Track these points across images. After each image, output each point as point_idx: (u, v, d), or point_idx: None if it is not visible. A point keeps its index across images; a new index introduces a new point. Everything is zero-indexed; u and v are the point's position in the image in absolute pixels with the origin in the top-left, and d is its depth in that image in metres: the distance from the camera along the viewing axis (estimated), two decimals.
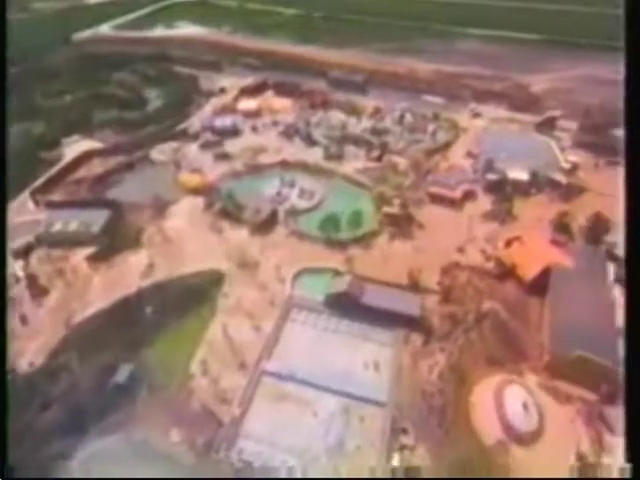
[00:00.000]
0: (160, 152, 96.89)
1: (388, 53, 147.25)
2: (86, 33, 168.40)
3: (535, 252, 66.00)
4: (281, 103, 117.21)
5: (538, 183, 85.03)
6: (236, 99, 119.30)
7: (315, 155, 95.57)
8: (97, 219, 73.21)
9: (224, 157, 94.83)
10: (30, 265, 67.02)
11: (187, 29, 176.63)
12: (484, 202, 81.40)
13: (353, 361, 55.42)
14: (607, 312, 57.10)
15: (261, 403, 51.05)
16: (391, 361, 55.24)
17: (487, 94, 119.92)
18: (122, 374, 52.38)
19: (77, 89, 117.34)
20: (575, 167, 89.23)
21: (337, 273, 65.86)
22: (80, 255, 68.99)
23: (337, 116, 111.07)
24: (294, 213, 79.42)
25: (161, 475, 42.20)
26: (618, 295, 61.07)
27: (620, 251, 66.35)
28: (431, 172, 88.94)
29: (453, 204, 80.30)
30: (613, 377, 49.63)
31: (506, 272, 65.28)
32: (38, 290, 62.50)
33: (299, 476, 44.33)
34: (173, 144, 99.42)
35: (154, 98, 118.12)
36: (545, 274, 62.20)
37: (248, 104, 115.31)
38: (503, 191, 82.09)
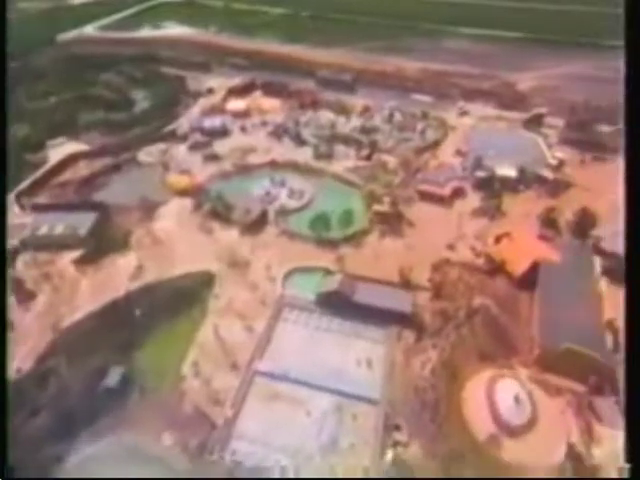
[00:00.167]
0: (148, 154, 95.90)
1: (376, 52, 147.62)
2: (71, 34, 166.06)
3: (524, 248, 66.70)
4: (270, 103, 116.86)
5: (526, 179, 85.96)
6: (224, 99, 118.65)
7: (305, 155, 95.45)
8: (84, 222, 72.25)
9: (213, 158, 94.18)
10: (16, 269, 65.84)
11: (174, 29, 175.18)
12: (473, 199, 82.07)
13: (345, 359, 55.42)
14: (594, 305, 57.97)
15: (254, 403, 50.78)
16: (383, 358, 55.35)
17: (475, 92, 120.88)
18: (113, 377, 51.74)
19: (62, 90, 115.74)
20: (562, 163, 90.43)
21: (328, 272, 65.81)
22: (67, 258, 67.98)
23: (326, 115, 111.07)
24: (284, 213, 79.22)
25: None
26: (605, 288, 62.10)
27: (606, 244, 67.49)
28: (421, 170, 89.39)
29: (443, 201, 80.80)
30: (601, 368, 50.56)
31: (496, 268, 65.87)
32: (25, 295, 61.43)
33: (292, 476, 44.25)
34: (161, 145, 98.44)
35: (141, 99, 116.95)
36: (534, 269, 62.89)
37: (237, 104, 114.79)
38: (492, 188, 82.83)
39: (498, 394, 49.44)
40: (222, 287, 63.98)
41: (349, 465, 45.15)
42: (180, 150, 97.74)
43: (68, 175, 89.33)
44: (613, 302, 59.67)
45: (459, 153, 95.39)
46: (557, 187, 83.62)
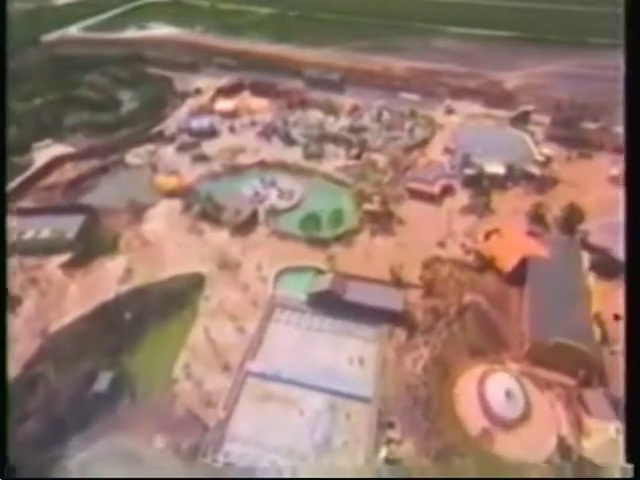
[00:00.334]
0: (135, 155, 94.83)
1: (364, 51, 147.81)
2: (55, 34, 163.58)
3: (513, 244, 67.39)
4: (258, 103, 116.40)
5: (514, 176, 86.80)
6: (212, 100, 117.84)
7: (294, 154, 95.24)
8: (71, 225, 71.13)
9: (202, 158, 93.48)
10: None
11: (160, 30, 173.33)
12: (462, 196, 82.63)
13: (337, 358, 55.43)
14: (583, 299, 58.77)
15: (246, 404, 50.54)
16: (375, 357, 55.47)
17: (463, 91, 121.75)
18: (102, 382, 51.05)
19: (47, 92, 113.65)
20: (549, 160, 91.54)
21: (319, 271, 65.74)
22: (54, 263, 66.85)
23: (315, 115, 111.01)
24: (274, 213, 78.96)
25: None
26: (592, 282, 63.05)
27: (593, 239, 68.56)
28: (410, 168, 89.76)
29: (432, 199, 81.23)
30: (590, 361, 51.33)
31: (486, 264, 66.38)
32: (11, 300, 60.28)
33: (287, 476, 44.16)
34: (149, 147, 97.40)
35: (128, 100, 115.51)
36: (523, 265, 63.57)
37: (225, 104, 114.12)
38: (480, 185, 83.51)
39: (489, 389, 49.87)
40: (213, 288, 63.55)
41: (343, 463, 45.17)
42: (168, 151, 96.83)
43: (54, 178, 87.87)
44: (600, 296, 60.80)
45: (447, 151, 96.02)
46: (544, 183, 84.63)
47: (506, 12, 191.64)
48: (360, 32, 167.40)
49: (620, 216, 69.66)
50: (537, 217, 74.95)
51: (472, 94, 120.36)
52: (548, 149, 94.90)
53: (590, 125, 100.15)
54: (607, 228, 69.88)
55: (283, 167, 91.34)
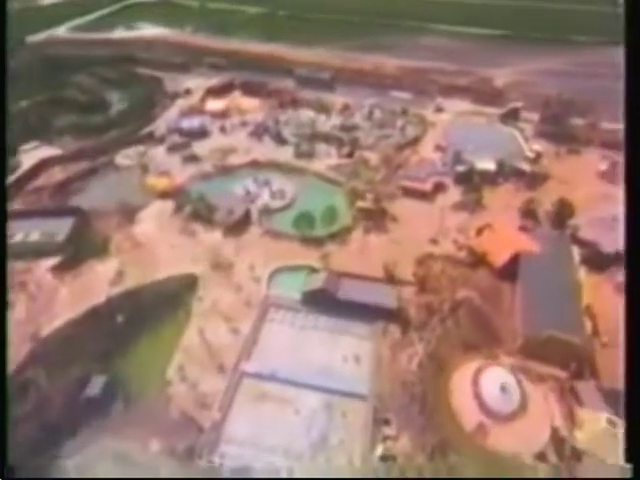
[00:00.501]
0: (125, 157, 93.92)
1: (354, 50, 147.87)
2: (42, 35, 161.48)
3: (504, 239, 67.81)
4: (249, 103, 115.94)
5: (505, 172, 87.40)
6: (203, 100, 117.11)
7: (286, 154, 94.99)
8: (61, 228, 70.15)
9: (192, 159, 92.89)
10: None
11: (149, 30, 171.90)
12: (454, 193, 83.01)
13: (332, 357, 55.37)
14: (574, 292, 59.34)
15: (242, 405, 50.28)
16: (370, 354, 55.50)
17: (453, 88, 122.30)
18: (95, 387, 50.36)
19: (35, 93, 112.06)
20: (539, 156, 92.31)
21: (313, 270, 65.62)
22: (44, 266, 65.89)
23: (306, 114, 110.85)
24: (267, 212, 78.70)
25: None
26: (583, 276, 63.79)
27: (583, 233, 69.37)
28: (402, 166, 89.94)
29: (425, 196, 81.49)
30: (581, 353, 51.91)
31: (478, 260, 66.72)
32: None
33: (284, 476, 44.03)
34: (139, 148, 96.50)
35: (117, 101, 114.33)
36: (515, 260, 63.98)
37: (216, 104, 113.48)
38: (472, 182, 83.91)
39: (484, 384, 50.19)
40: (206, 289, 63.12)
41: (339, 462, 45.15)
42: (158, 152, 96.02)
43: (42, 180, 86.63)
44: (591, 289, 61.56)
45: (439, 148, 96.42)
46: (535, 179, 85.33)
47: (495, 10, 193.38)
48: (350, 31, 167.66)
49: (609, 210, 70.90)
50: (529, 212, 75.58)
51: (462, 92, 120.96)
52: (538, 145, 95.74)
53: (578, 121, 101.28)
54: (596, 223, 70.80)
55: (275, 166, 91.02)
